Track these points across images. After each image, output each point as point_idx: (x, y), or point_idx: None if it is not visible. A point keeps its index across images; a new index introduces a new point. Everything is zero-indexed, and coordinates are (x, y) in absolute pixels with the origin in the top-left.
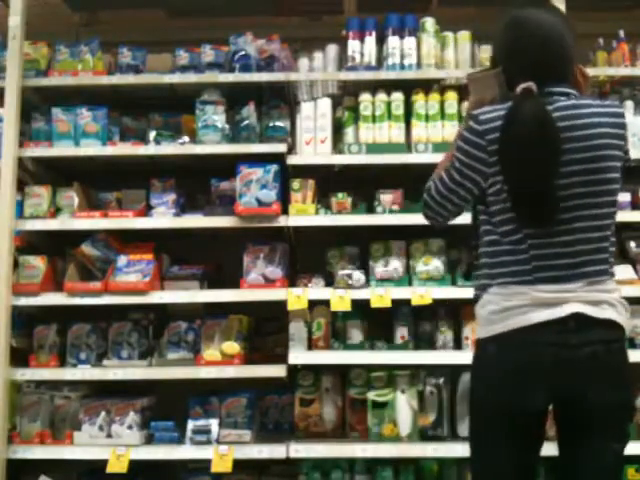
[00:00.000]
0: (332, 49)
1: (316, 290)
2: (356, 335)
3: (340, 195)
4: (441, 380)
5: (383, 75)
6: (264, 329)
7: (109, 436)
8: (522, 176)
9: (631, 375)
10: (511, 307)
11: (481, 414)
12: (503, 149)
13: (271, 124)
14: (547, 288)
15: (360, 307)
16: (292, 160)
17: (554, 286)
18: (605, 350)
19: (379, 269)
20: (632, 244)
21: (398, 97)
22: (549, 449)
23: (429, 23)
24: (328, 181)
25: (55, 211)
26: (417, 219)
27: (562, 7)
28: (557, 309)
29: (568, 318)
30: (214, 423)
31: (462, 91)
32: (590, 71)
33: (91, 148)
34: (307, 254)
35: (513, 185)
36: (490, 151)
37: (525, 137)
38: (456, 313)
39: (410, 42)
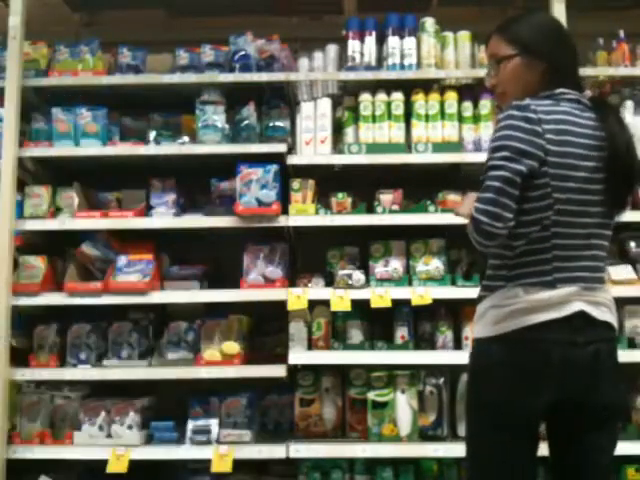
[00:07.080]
0: (332, 49)
1: (316, 290)
2: (356, 335)
3: (340, 195)
4: (441, 380)
5: (383, 75)
6: (264, 329)
7: (109, 436)
8: (626, 159)
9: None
10: (520, 307)
11: (488, 415)
12: (612, 134)
13: (271, 124)
14: (563, 290)
15: (360, 307)
16: (292, 160)
17: (569, 287)
18: (606, 349)
19: (379, 269)
20: (632, 244)
21: (398, 97)
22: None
23: (429, 23)
24: (328, 181)
25: (55, 211)
26: (417, 219)
27: (562, 7)
28: (564, 308)
29: (573, 316)
30: (214, 423)
31: (462, 91)
32: (590, 71)
33: (91, 148)
34: (307, 254)
35: (619, 166)
36: (548, 139)
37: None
38: (456, 313)
39: (410, 42)
